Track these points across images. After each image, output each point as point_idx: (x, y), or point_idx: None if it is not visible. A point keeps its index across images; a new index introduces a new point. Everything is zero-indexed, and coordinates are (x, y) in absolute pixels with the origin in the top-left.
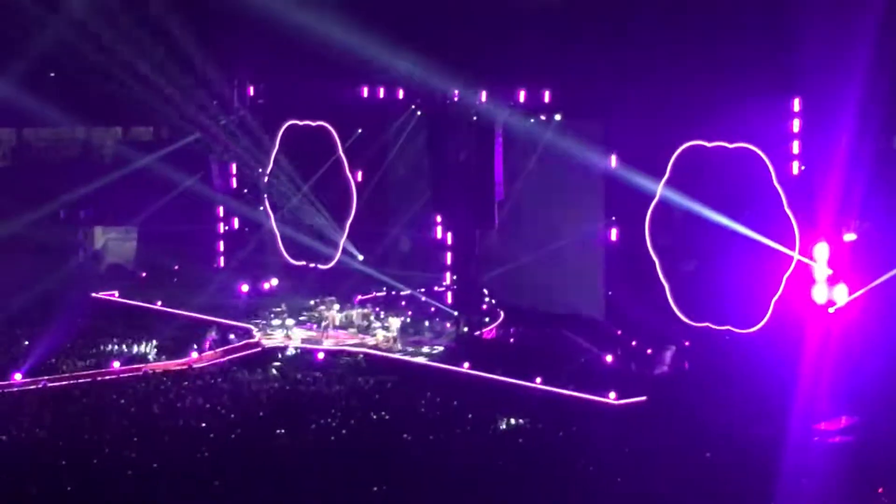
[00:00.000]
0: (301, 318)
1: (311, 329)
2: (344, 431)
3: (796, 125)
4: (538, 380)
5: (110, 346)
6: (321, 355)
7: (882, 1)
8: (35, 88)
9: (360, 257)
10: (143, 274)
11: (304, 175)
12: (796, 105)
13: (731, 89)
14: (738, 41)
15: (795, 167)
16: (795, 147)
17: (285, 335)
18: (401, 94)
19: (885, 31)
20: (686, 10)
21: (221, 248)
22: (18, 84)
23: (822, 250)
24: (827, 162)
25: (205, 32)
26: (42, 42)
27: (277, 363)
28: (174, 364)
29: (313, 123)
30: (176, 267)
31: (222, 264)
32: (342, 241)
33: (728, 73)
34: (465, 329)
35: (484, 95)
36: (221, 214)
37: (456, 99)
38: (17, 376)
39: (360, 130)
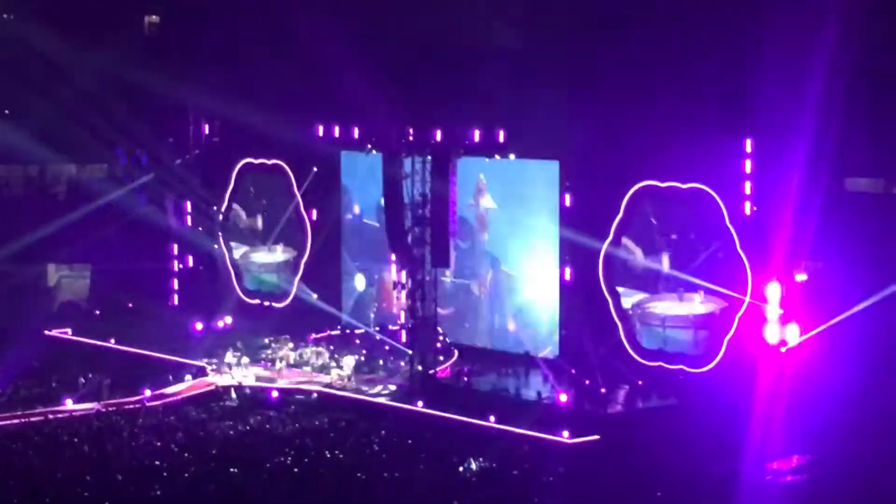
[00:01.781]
0: (256, 357)
1: (265, 367)
2: (297, 470)
3: (748, 166)
4: (492, 419)
5: (63, 384)
6: (275, 394)
7: (833, 43)
8: None
9: (315, 296)
10: (97, 311)
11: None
12: (748, 146)
13: (685, 130)
14: (693, 82)
15: (748, 207)
16: (748, 187)
17: (240, 374)
18: (356, 133)
19: (835, 73)
20: (641, 50)
21: (176, 285)
22: None
23: (773, 290)
24: (779, 202)
25: (162, 70)
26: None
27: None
28: (127, 402)
29: (269, 162)
30: (129, 304)
31: (176, 302)
32: (297, 279)
33: (682, 114)
34: (420, 367)
35: (439, 135)
36: (176, 252)
37: (411, 138)
38: None
39: (315, 169)
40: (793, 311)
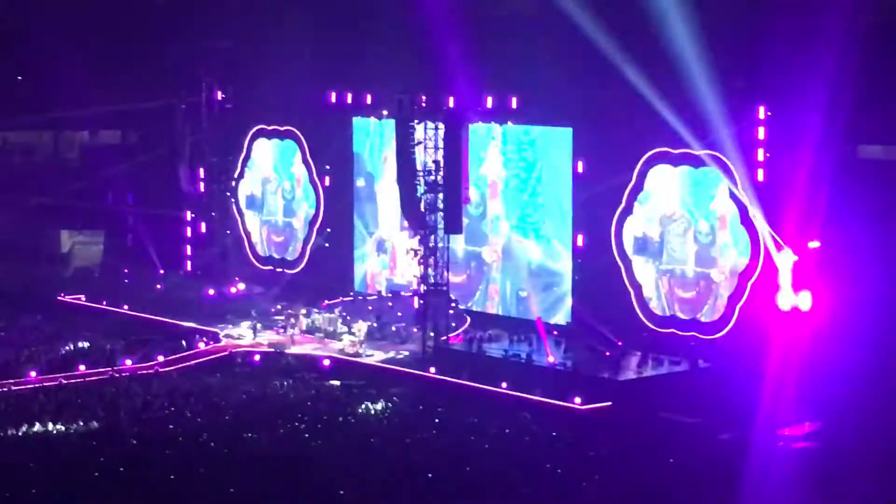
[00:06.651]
0: (268, 323)
1: (278, 333)
2: (307, 435)
3: (762, 132)
4: (504, 385)
5: (77, 349)
6: (289, 361)
7: (848, 9)
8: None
9: (326, 241)
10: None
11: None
12: (761, 112)
13: (698, 96)
14: (706, 49)
15: (760, 174)
16: (760, 154)
17: (253, 339)
18: (369, 99)
19: (849, 39)
20: (653, 18)
21: (189, 252)
22: None
23: (785, 257)
24: (792, 169)
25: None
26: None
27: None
28: (141, 367)
29: (281, 128)
30: (142, 271)
31: (189, 268)
32: (309, 246)
33: (695, 81)
34: (432, 334)
35: (451, 101)
36: (189, 218)
37: (423, 104)
38: None
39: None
40: (805, 278)
